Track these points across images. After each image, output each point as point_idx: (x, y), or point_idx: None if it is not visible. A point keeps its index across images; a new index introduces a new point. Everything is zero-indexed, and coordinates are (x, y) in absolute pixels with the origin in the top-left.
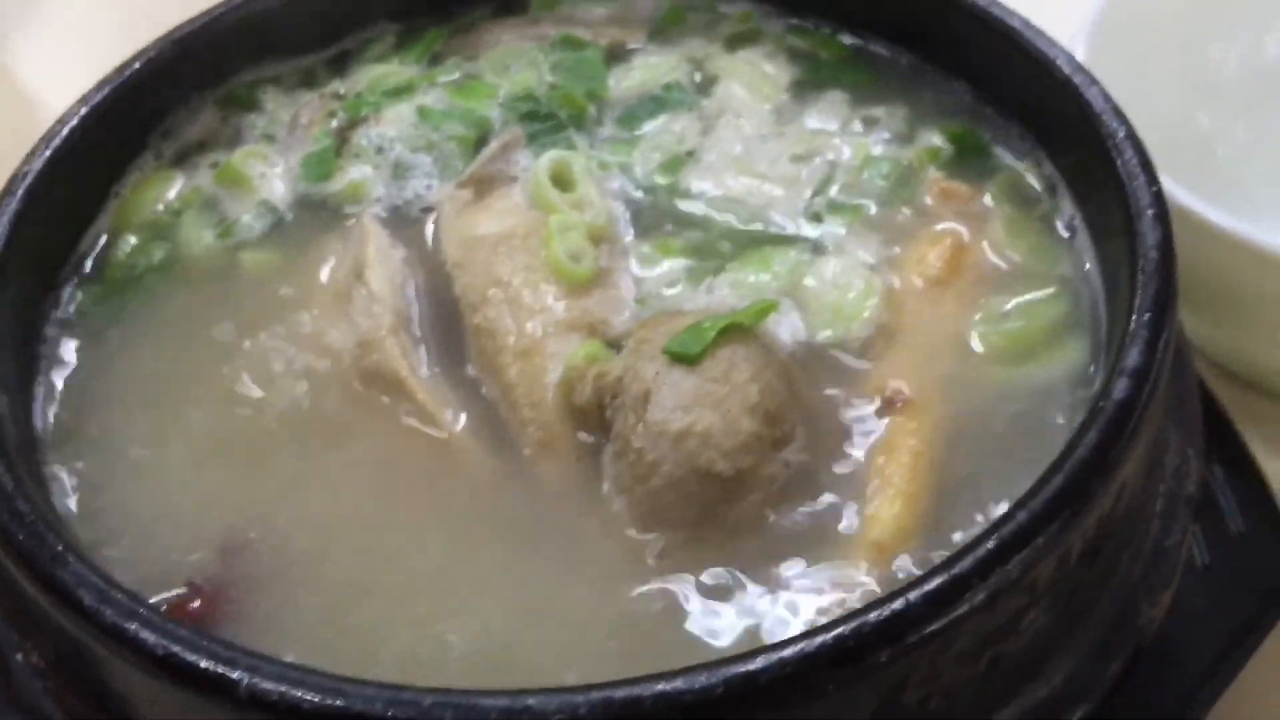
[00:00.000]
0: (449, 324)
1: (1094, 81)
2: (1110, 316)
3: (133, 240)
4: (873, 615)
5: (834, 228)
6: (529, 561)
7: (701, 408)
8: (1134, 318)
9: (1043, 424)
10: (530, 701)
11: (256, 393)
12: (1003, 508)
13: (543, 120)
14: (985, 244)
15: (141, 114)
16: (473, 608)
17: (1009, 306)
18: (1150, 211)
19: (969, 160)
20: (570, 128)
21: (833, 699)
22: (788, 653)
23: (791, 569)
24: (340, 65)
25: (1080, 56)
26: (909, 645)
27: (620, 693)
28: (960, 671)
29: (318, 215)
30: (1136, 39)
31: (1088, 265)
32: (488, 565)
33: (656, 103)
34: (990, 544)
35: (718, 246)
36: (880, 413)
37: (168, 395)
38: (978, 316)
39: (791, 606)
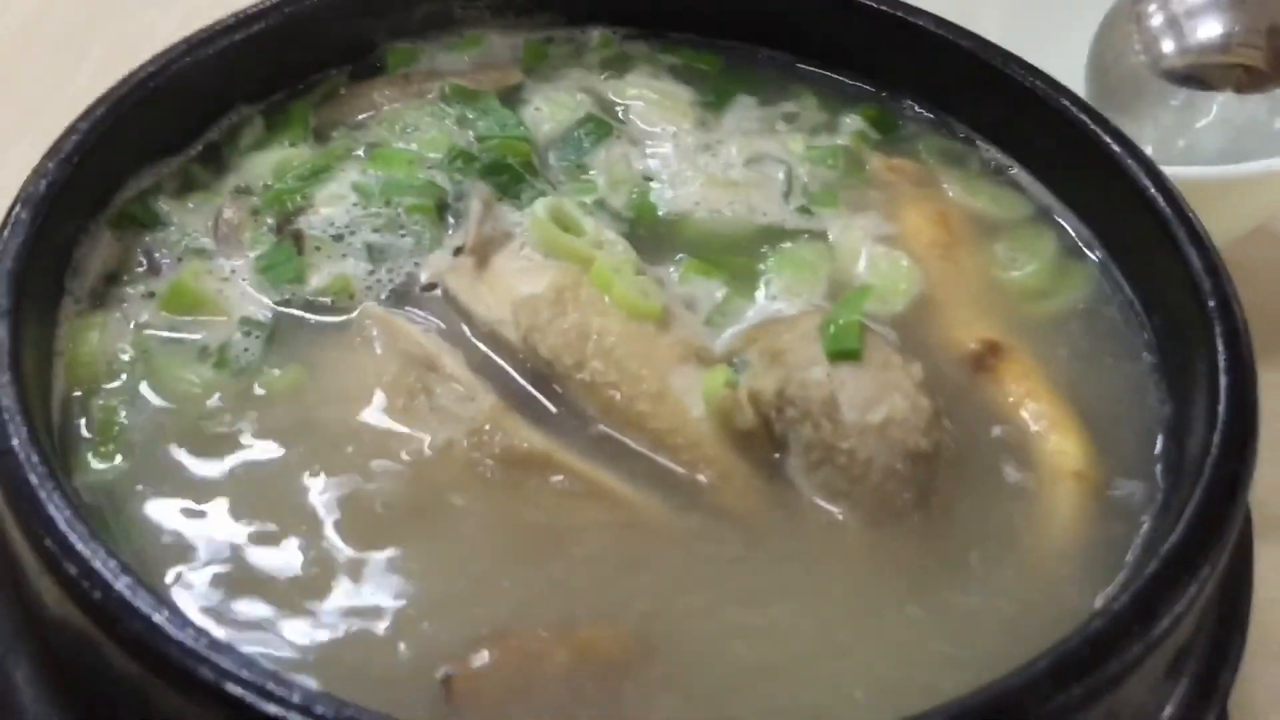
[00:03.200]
0: (534, 389)
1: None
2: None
3: (107, 402)
4: None
5: (825, 217)
6: (800, 596)
7: (889, 396)
8: None
9: (1104, 333)
10: None
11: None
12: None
13: (499, 173)
14: (955, 205)
15: (51, 256)
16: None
17: (1012, 251)
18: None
19: (890, 136)
20: (527, 175)
21: None
22: None
23: (1018, 522)
24: (213, 159)
25: None
26: None
27: None
28: None
29: (309, 319)
30: None
31: (1046, 199)
32: (762, 614)
33: (585, 137)
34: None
35: (735, 255)
36: (978, 365)
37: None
38: (993, 267)
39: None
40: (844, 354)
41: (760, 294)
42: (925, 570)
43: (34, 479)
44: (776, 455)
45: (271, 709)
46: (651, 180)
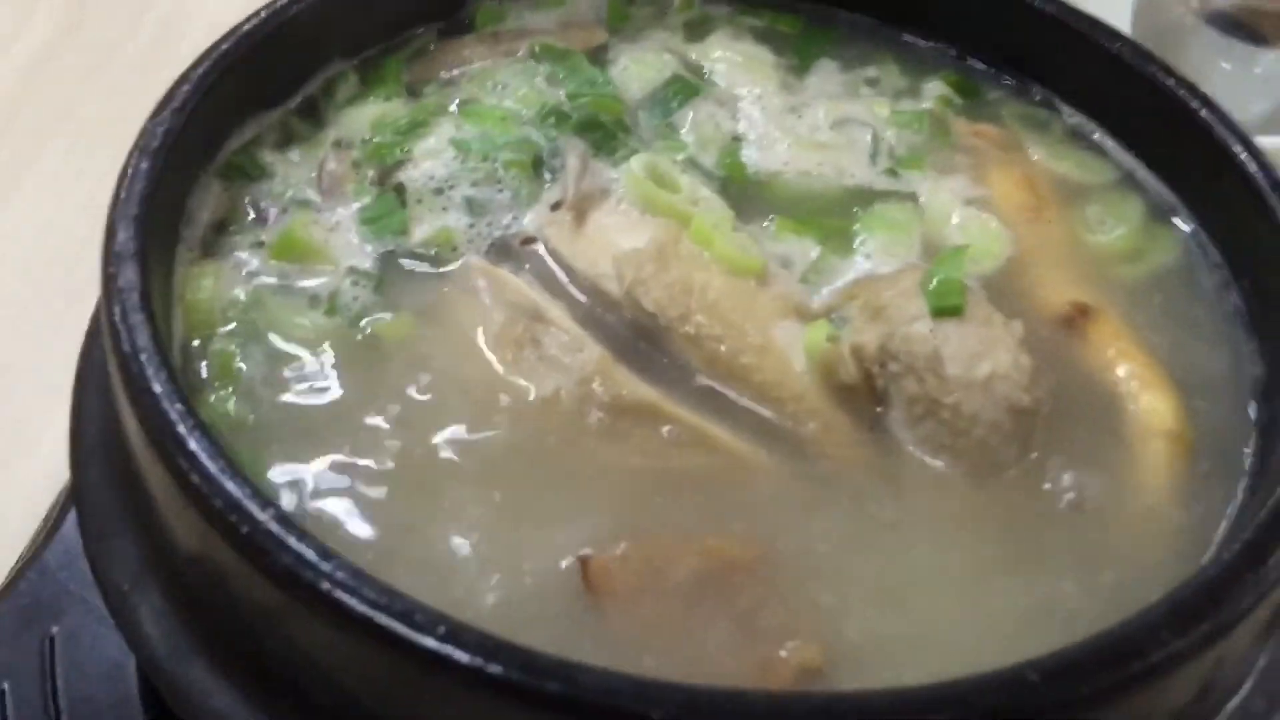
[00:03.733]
0: (636, 342)
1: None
2: None
3: (224, 347)
4: None
5: (912, 180)
6: (903, 543)
7: (993, 351)
8: None
9: (1194, 296)
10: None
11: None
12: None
13: (593, 130)
14: (1040, 169)
15: (168, 204)
16: (898, 606)
17: (1099, 216)
18: None
19: (972, 101)
20: (619, 133)
21: None
22: None
23: (1114, 479)
24: (310, 113)
25: None
26: None
27: None
28: None
29: (414, 269)
30: None
31: (1130, 164)
32: (866, 560)
33: (672, 97)
34: None
35: (827, 215)
36: (1069, 326)
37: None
38: (1081, 231)
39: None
40: (947, 310)
41: (854, 253)
42: (1025, 523)
43: (174, 416)
44: (879, 410)
45: (425, 641)
46: (740, 140)
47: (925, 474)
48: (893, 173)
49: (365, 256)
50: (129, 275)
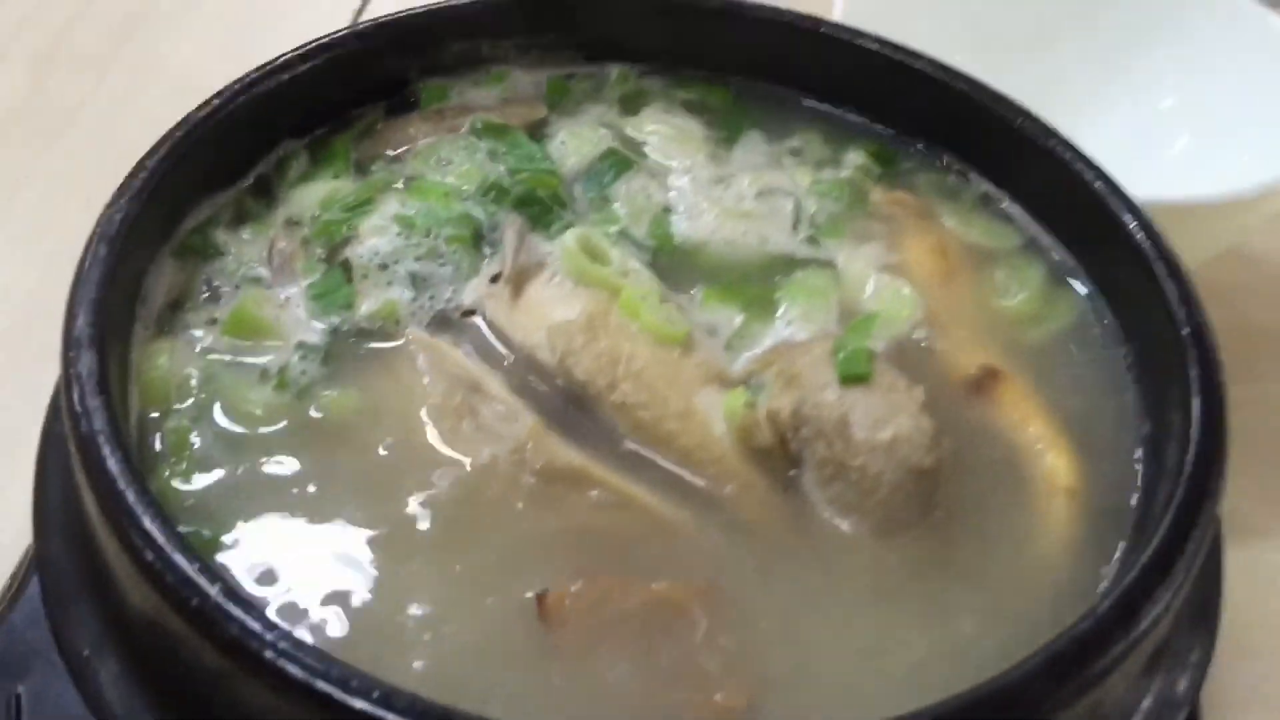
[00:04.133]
0: (568, 409)
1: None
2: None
3: (178, 423)
4: None
5: (831, 247)
6: (813, 599)
7: (896, 417)
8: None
9: (1090, 356)
10: None
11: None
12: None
13: (530, 205)
14: (952, 236)
15: (125, 286)
16: (810, 655)
17: (1005, 280)
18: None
19: (890, 170)
20: (555, 207)
21: None
22: None
23: (1013, 534)
24: (263, 191)
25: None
26: None
27: None
28: None
29: (359, 343)
30: None
31: (1033, 230)
32: (782, 612)
33: (607, 170)
34: None
35: (750, 283)
36: (977, 389)
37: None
38: (989, 295)
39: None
40: (854, 378)
41: (775, 320)
42: (927, 577)
43: (130, 495)
44: (793, 472)
45: (358, 704)
46: (670, 211)
47: (835, 531)
48: (813, 240)
49: (313, 332)
50: (87, 361)
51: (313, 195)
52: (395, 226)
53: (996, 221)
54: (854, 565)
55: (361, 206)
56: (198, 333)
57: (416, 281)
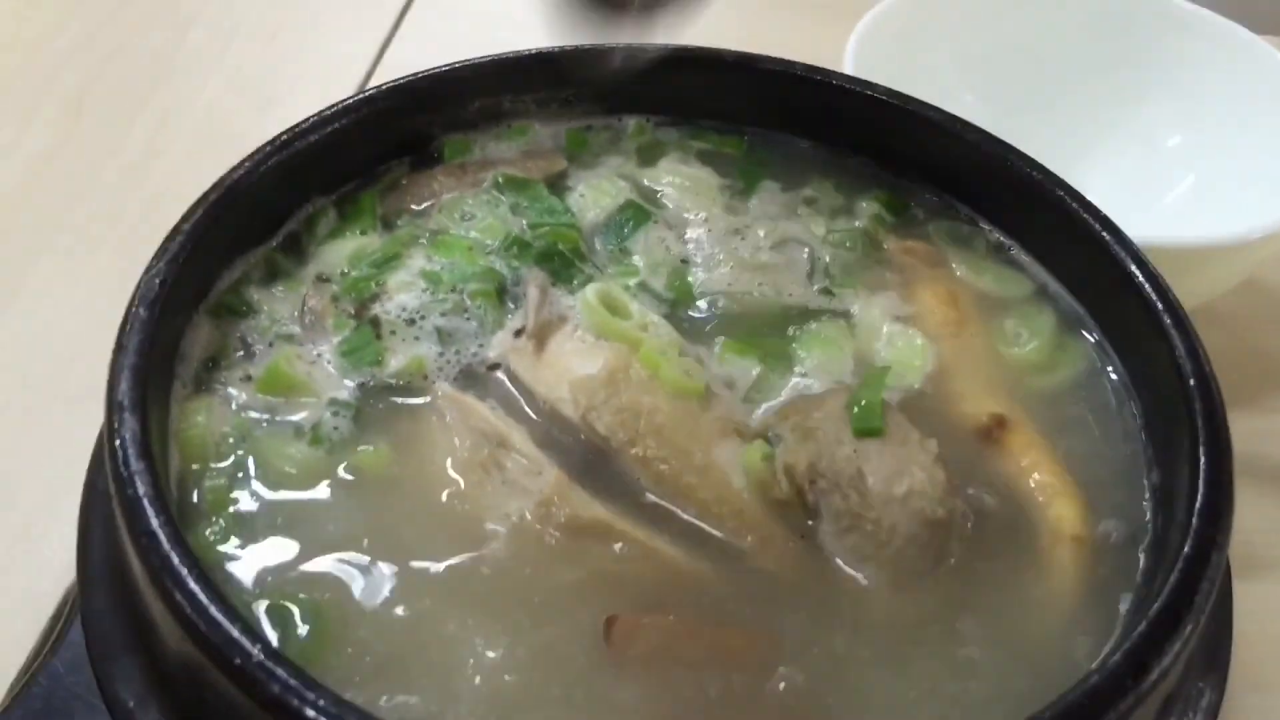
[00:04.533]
0: (590, 461)
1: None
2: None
3: (215, 481)
4: None
5: (846, 298)
6: (830, 648)
7: (909, 469)
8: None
9: (1099, 404)
10: None
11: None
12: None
13: (551, 259)
14: (963, 284)
15: (164, 348)
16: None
17: (1015, 328)
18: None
19: (901, 219)
20: (576, 261)
21: None
22: None
23: (1022, 581)
24: (293, 248)
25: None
26: None
27: None
28: None
29: (388, 398)
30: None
31: (1043, 278)
32: (797, 660)
33: (626, 223)
34: None
35: (766, 335)
36: (987, 437)
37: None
38: (999, 344)
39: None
40: (869, 432)
41: (792, 372)
42: (940, 627)
43: (175, 558)
44: (810, 523)
45: None
46: (688, 263)
47: (852, 581)
48: (828, 291)
49: (344, 388)
50: (130, 425)
51: (341, 251)
52: (422, 282)
53: (1008, 269)
54: (870, 616)
55: (389, 262)
56: (233, 390)
57: (443, 336)
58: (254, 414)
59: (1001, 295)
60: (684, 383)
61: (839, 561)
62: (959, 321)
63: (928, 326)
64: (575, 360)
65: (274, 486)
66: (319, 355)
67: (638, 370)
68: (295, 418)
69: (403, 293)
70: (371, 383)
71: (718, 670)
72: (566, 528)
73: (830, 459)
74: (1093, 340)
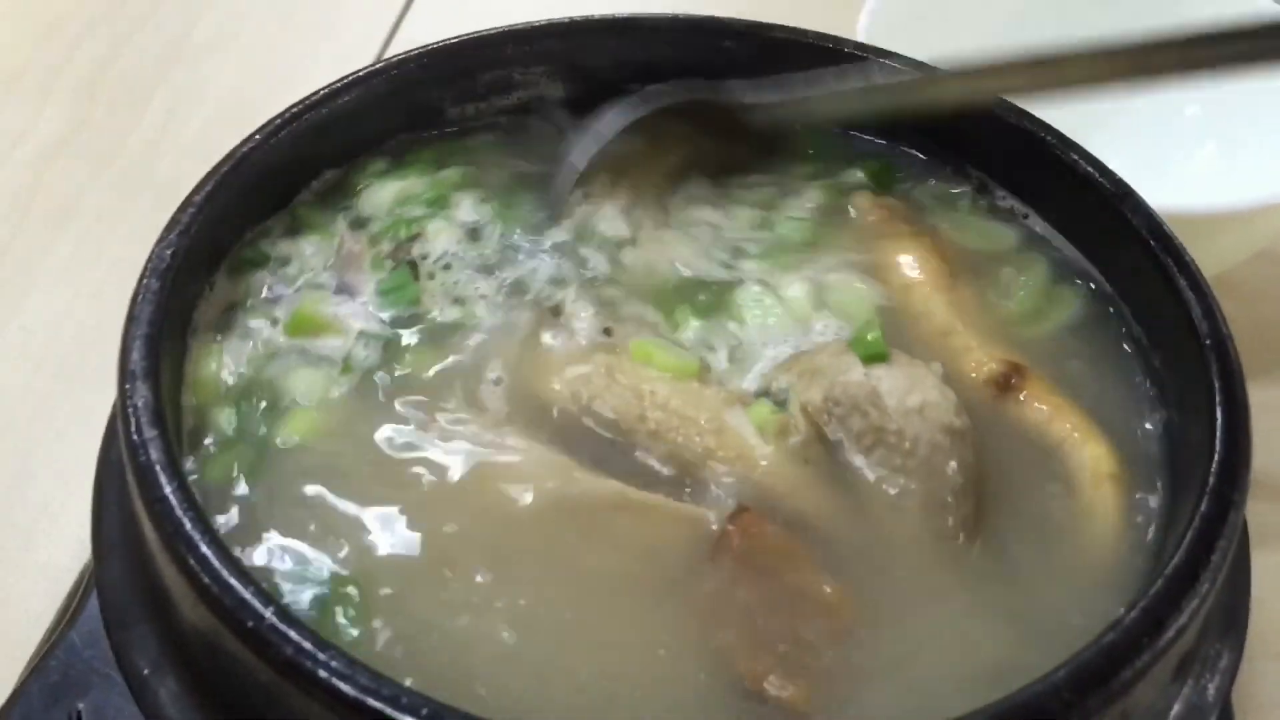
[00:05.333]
0: (602, 458)
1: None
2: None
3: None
4: None
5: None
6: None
7: (920, 386)
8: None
9: (1105, 349)
10: None
11: None
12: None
13: None
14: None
15: (176, 316)
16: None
17: (1006, 280)
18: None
19: (883, 185)
20: None
21: None
22: None
23: (1063, 526)
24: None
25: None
26: None
27: None
28: None
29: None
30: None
31: (1037, 227)
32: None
33: None
34: None
35: (703, 299)
36: (1003, 386)
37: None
38: (991, 295)
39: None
40: (876, 357)
41: (769, 330)
42: (977, 570)
43: (187, 524)
44: (834, 457)
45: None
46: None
47: (888, 507)
48: (798, 249)
49: (377, 323)
50: (143, 393)
51: (385, 195)
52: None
53: (992, 222)
54: (909, 563)
55: (434, 205)
56: (258, 331)
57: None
58: (278, 351)
59: (987, 251)
60: (681, 365)
61: (871, 482)
62: (951, 274)
63: (905, 281)
64: (567, 362)
65: (296, 417)
66: (351, 298)
67: (630, 364)
68: (322, 353)
69: (442, 236)
70: (405, 320)
71: (799, 608)
72: (581, 504)
73: (844, 386)
74: (1088, 284)
